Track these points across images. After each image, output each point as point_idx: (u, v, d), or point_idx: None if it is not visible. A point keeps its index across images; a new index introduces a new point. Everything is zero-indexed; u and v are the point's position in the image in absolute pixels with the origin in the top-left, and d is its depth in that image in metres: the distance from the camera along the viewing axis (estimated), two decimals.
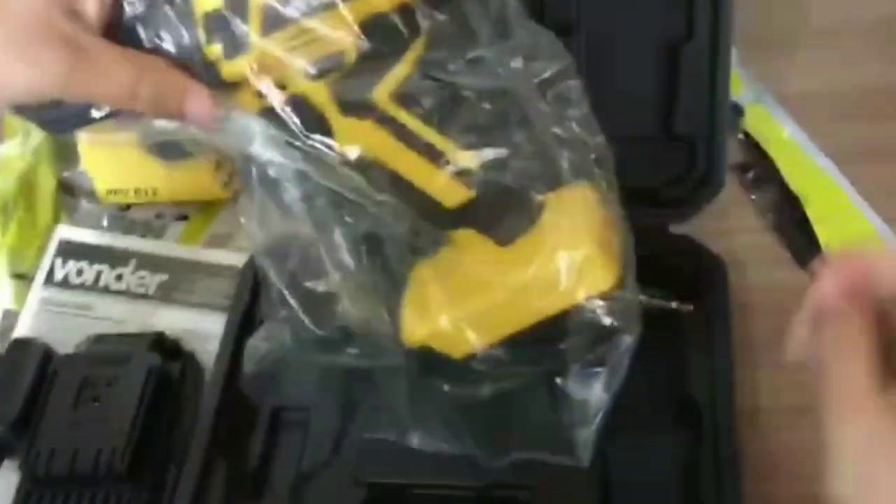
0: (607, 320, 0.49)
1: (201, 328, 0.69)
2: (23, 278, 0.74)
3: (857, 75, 0.78)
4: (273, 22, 0.43)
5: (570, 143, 0.50)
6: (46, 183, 0.77)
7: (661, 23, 0.67)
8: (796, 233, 0.72)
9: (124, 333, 0.68)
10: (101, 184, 0.77)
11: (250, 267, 0.65)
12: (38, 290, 0.73)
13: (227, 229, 0.76)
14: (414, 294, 0.52)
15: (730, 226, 0.72)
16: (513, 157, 0.49)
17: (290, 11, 0.42)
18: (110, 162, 0.75)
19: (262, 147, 0.46)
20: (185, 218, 0.77)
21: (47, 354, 0.65)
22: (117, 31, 0.44)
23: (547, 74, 0.49)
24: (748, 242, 0.72)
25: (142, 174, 0.76)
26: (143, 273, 0.73)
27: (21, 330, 0.71)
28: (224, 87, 0.45)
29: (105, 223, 0.77)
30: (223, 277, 0.71)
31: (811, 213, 0.71)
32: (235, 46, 0.43)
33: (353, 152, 0.46)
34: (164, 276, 0.73)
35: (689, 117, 0.68)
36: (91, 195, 0.78)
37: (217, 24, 0.43)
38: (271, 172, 0.47)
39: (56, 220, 0.76)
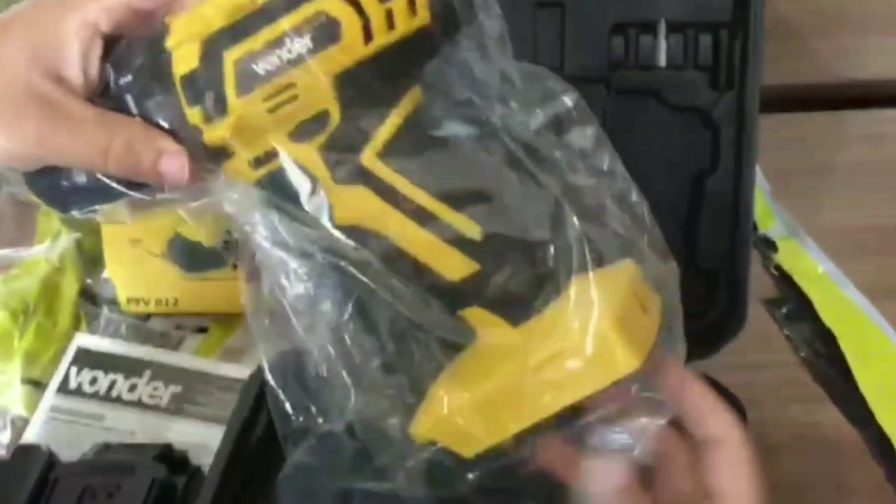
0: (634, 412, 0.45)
1: (211, 442, 0.67)
2: (35, 385, 0.73)
3: (891, 211, 0.77)
4: (248, 80, 0.41)
5: (595, 200, 0.46)
6: (69, 289, 0.77)
7: (685, 152, 0.67)
8: (830, 369, 0.69)
9: (131, 444, 0.67)
10: (122, 291, 0.77)
11: (255, 379, 0.64)
12: (50, 398, 0.72)
13: (245, 343, 0.75)
14: (433, 388, 0.48)
15: (761, 360, 0.70)
16: (523, 224, 0.45)
17: (262, 67, 0.41)
18: (133, 269, 0.76)
19: (261, 223, 0.44)
20: (204, 330, 0.77)
21: (50, 462, 0.64)
22: (108, 99, 0.44)
23: (552, 114, 0.46)
24: (781, 377, 0.70)
25: (164, 284, 0.76)
26: (156, 384, 0.72)
27: (29, 437, 0.70)
28: (213, 154, 0.43)
29: (124, 332, 0.76)
30: (237, 392, 0.70)
31: (845, 348, 0.69)
32: (215, 109, 0.42)
33: (350, 223, 0.44)
34: (177, 388, 0.72)
35: (711, 251, 0.67)
36: (113, 304, 0.77)
37: (195, 85, 0.42)
38: (269, 251, 0.45)
39: (75, 327, 0.76)
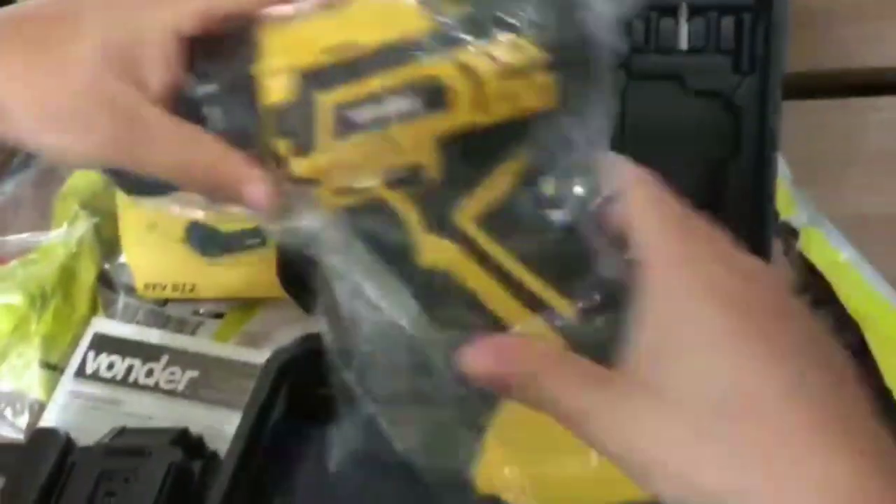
0: None
1: (228, 428, 0.66)
2: (53, 369, 0.73)
3: None
4: (343, 126, 0.39)
5: None
6: (87, 274, 0.77)
7: (706, 138, 0.66)
8: (855, 360, 0.68)
9: (147, 427, 0.67)
10: (139, 277, 0.76)
11: (272, 364, 0.64)
12: (67, 382, 0.72)
13: (262, 328, 0.75)
14: (498, 431, 0.45)
15: None
16: (615, 307, 0.42)
17: (360, 117, 0.39)
18: (151, 254, 0.76)
19: (334, 250, 0.41)
20: (221, 315, 0.77)
21: (67, 446, 0.64)
22: (185, 106, 0.41)
23: None
24: None
25: (181, 269, 0.76)
26: (173, 369, 0.72)
27: (46, 421, 0.70)
28: (297, 180, 0.41)
29: (141, 317, 0.76)
30: (255, 377, 0.69)
31: (870, 337, 0.68)
32: (304, 144, 0.39)
33: (435, 266, 0.42)
34: (194, 373, 0.72)
35: (732, 238, 0.66)
36: (130, 289, 0.77)
37: (284, 118, 0.40)
38: (337, 281, 0.42)
39: (93, 312, 0.76)
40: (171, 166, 0.41)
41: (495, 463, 0.45)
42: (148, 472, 0.60)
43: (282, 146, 0.40)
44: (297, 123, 0.40)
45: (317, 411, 0.67)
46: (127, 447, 0.63)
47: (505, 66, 0.39)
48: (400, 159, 0.40)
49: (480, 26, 0.38)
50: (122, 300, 0.77)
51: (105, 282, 0.78)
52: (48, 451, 0.63)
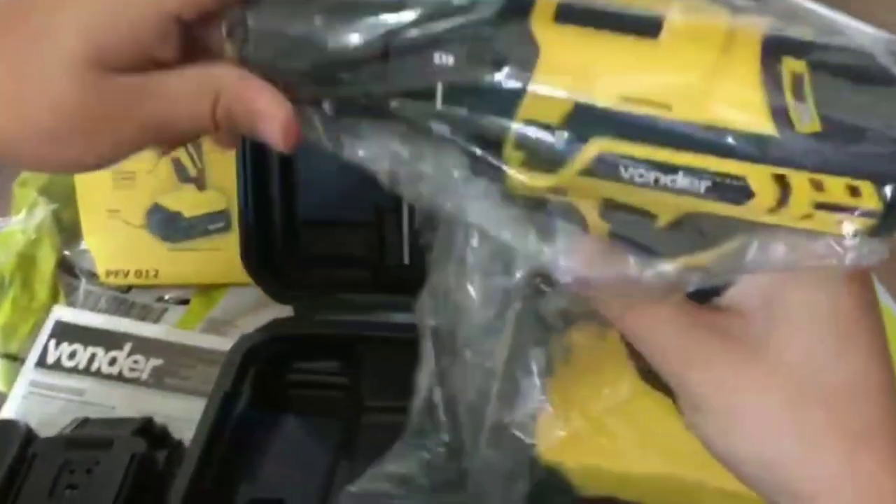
0: None
1: (194, 416, 0.65)
2: (13, 359, 0.72)
3: None
4: (601, 170, 0.33)
5: None
6: (46, 261, 0.75)
7: None
8: None
9: (110, 418, 0.65)
10: (101, 263, 0.75)
11: (237, 351, 0.63)
12: (28, 372, 0.71)
13: (227, 315, 0.74)
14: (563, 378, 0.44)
15: None
16: None
17: (629, 173, 0.33)
18: (112, 240, 0.74)
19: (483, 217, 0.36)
20: (186, 302, 0.76)
21: (28, 437, 0.62)
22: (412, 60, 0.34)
23: None
24: None
25: (143, 255, 0.75)
26: (137, 357, 0.71)
27: (7, 413, 0.69)
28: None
29: (104, 305, 0.75)
30: (219, 364, 0.68)
31: None
32: (542, 166, 0.34)
33: None
34: (158, 361, 0.71)
35: None
36: (91, 276, 0.76)
37: (537, 140, 0.33)
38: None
39: (54, 299, 0.75)
40: (199, 121, 0.36)
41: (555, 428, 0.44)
42: (110, 464, 0.59)
43: (514, 157, 0.34)
44: (548, 150, 0.33)
45: (282, 398, 0.67)
46: (89, 438, 0.62)
47: (828, 201, 0.32)
48: (636, 209, 0.35)
49: (826, 155, 0.32)
50: (83, 287, 0.76)
51: (66, 268, 0.77)
52: (9, 443, 0.61)
